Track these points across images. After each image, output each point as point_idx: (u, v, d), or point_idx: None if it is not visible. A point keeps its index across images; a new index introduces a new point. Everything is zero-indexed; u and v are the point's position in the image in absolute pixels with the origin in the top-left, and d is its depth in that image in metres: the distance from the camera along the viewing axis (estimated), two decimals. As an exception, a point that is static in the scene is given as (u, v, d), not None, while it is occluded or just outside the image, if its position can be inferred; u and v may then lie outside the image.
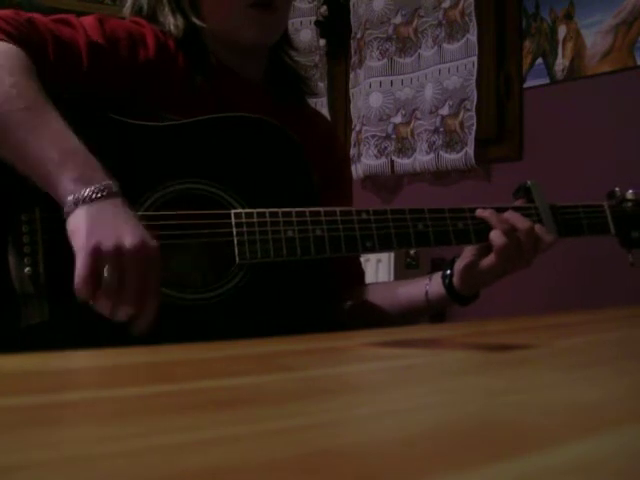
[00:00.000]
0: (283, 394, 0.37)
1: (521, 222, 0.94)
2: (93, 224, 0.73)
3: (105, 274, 0.73)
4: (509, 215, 0.95)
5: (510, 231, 0.92)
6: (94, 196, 0.74)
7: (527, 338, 0.67)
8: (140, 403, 0.34)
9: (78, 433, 0.28)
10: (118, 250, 0.73)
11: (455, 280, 0.96)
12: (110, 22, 0.90)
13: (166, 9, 0.98)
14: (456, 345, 0.62)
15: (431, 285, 0.99)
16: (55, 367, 0.46)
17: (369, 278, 2.10)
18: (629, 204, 1.07)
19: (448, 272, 0.97)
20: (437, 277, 0.99)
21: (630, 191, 1.08)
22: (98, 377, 0.43)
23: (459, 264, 0.96)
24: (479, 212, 0.94)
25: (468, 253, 0.96)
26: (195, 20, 0.98)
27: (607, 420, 0.31)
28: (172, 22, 0.97)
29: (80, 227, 0.74)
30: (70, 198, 0.74)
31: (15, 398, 0.34)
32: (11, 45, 0.79)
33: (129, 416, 0.31)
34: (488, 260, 0.93)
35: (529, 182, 1.02)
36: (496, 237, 0.92)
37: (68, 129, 0.77)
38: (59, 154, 0.75)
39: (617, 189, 1.08)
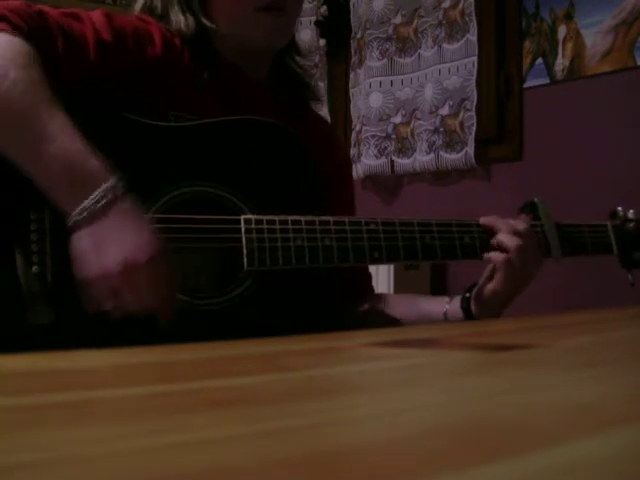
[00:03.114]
0: (283, 394, 0.37)
1: (522, 225, 0.95)
2: (98, 249, 0.73)
3: (118, 297, 0.73)
4: (512, 220, 0.96)
5: (514, 232, 0.93)
6: (98, 206, 0.73)
7: (528, 338, 0.67)
8: (140, 403, 0.34)
9: (78, 433, 0.28)
10: (127, 274, 0.73)
11: (472, 304, 0.97)
12: (118, 18, 0.90)
13: (176, 8, 0.98)
14: (456, 345, 0.62)
15: (451, 306, 1.00)
16: (55, 367, 0.46)
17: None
18: (631, 224, 1.07)
19: (467, 295, 0.98)
20: (457, 300, 1.00)
21: (631, 211, 1.08)
22: (98, 377, 0.43)
23: (476, 289, 0.97)
24: (482, 219, 0.96)
25: (482, 277, 0.97)
26: (205, 21, 0.97)
27: (610, 420, 0.31)
28: (182, 21, 0.97)
29: (85, 254, 0.74)
30: (73, 212, 0.74)
31: (15, 398, 0.34)
32: (17, 39, 0.78)
33: (129, 416, 0.31)
34: (493, 280, 0.94)
35: (536, 199, 1.02)
36: (503, 238, 0.93)
37: (67, 127, 0.75)
38: (59, 164, 0.73)
39: (619, 208, 1.07)
